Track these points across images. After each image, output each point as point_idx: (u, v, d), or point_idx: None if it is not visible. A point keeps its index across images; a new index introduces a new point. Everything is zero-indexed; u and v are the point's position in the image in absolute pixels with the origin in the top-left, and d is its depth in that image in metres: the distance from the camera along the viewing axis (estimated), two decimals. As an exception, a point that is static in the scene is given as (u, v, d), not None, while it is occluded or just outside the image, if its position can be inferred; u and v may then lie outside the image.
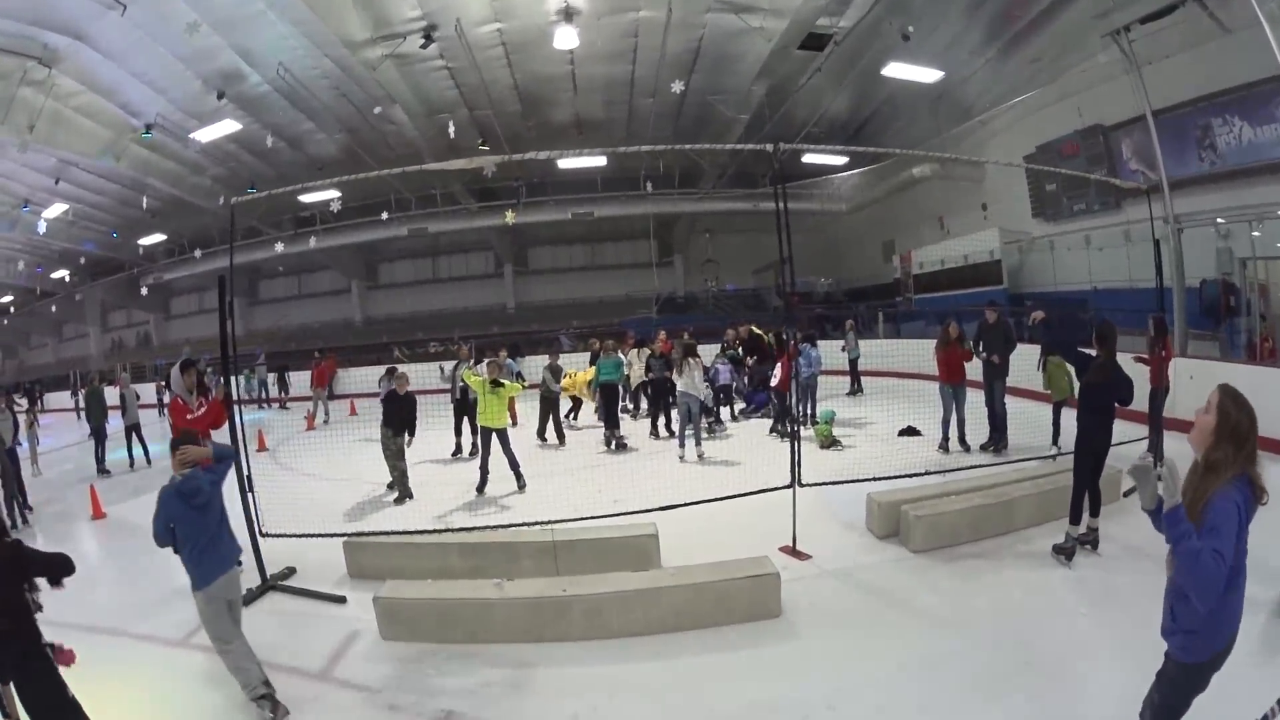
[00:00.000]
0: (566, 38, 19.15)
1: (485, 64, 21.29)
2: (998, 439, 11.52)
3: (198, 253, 33.07)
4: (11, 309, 41.41)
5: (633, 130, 25.67)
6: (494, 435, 10.88)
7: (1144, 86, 14.08)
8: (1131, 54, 14.06)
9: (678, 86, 20.71)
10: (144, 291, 35.02)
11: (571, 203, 30.99)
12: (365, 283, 38.68)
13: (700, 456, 12.40)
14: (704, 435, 13.09)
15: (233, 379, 8.19)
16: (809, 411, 14.26)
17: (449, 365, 15.47)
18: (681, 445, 12.66)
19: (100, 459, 15.35)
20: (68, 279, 38.03)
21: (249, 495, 7.75)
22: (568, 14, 18.59)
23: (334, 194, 26.42)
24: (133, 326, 42.04)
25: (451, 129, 21.43)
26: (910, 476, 8.85)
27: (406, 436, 11.22)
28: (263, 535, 7.86)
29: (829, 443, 12.59)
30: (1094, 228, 19.59)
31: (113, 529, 10.77)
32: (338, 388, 23.74)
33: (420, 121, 24.26)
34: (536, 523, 7.96)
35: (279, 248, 30.67)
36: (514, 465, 11.00)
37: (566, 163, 27.67)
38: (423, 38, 19.46)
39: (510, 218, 27.62)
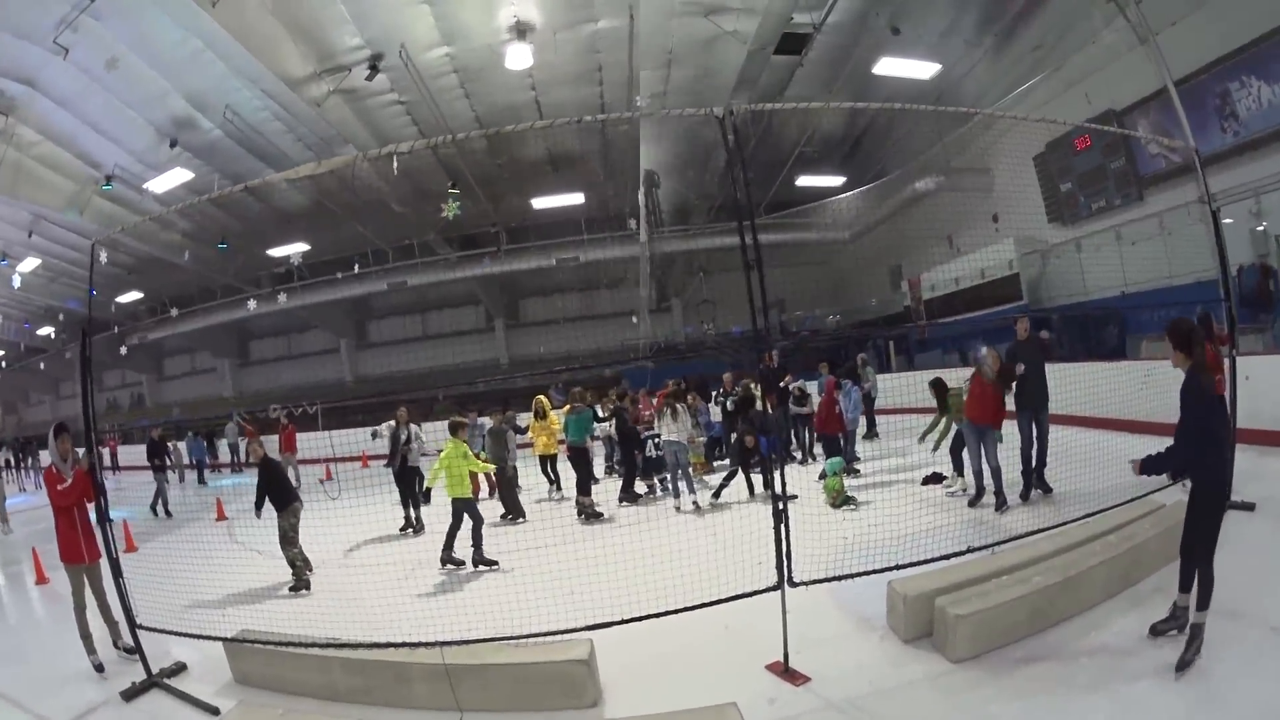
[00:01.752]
0: (520, 56, 17.68)
1: (440, 95, 19.92)
2: (1042, 482, 9.51)
3: (174, 311, 32.10)
4: (3, 364, 40.92)
5: (611, 162, 24.06)
6: (462, 506, 9.70)
7: (1160, 51, 12.36)
8: (1142, 18, 12.34)
9: (642, 100, 19.10)
10: (123, 351, 33.66)
11: (555, 247, 29.40)
12: (355, 341, 37.43)
13: (696, 506, 11.45)
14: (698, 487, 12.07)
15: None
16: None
17: (384, 427, 13.64)
18: (676, 495, 11.77)
19: None
20: (54, 336, 37.27)
21: (120, 580, 7.04)
22: (520, 30, 17.13)
23: (301, 247, 25.14)
24: (127, 387, 41.31)
25: (395, 164, 19.82)
26: (945, 559, 6.53)
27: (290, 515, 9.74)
28: (138, 627, 7.02)
29: (841, 500, 10.45)
30: (1115, 226, 17.65)
31: (49, 596, 10.36)
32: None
33: (382, 164, 22.53)
34: (422, 644, 5.95)
35: (251, 305, 29.55)
36: (477, 539, 9.61)
37: (543, 203, 26.37)
38: (368, 68, 18.19)
39: (489, 265, 26.22)
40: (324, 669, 6.25)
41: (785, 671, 5.53)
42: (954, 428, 10.62)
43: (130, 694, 6.62)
